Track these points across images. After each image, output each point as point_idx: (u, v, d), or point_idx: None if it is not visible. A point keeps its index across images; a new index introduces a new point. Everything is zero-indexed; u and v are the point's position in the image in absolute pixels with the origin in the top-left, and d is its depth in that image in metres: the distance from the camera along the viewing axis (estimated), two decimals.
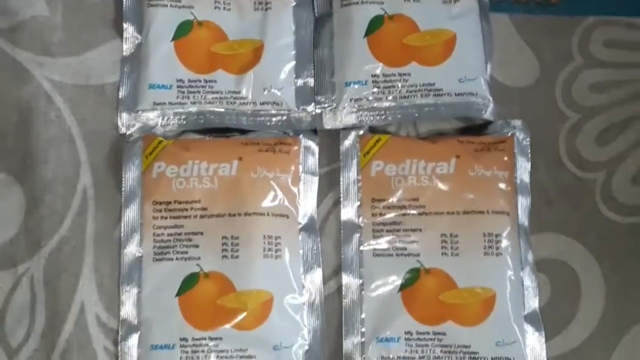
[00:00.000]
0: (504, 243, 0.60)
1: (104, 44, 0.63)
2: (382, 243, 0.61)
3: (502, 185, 0.61)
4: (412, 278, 0.60)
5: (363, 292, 0.60)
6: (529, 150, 0.62)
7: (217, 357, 0.58)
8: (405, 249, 0.60)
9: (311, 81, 0.63)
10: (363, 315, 0.60)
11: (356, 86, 0.63)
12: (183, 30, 0.63)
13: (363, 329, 0.60)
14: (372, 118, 0.63)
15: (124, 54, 0.63)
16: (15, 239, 0.60)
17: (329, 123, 0.63)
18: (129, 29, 0.63)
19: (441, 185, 0.61)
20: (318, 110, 0.63)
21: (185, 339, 0.58)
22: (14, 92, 0.62)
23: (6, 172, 0.61)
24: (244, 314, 0.58)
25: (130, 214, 0.60)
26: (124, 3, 0.63)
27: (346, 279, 0.61)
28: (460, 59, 0.62)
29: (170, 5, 0.63)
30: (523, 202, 0.61)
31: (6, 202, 0.60)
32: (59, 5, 0.63)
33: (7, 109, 0.62)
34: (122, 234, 0.60)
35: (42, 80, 0.62)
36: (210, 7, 0.63)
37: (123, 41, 0.63)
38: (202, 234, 0.59)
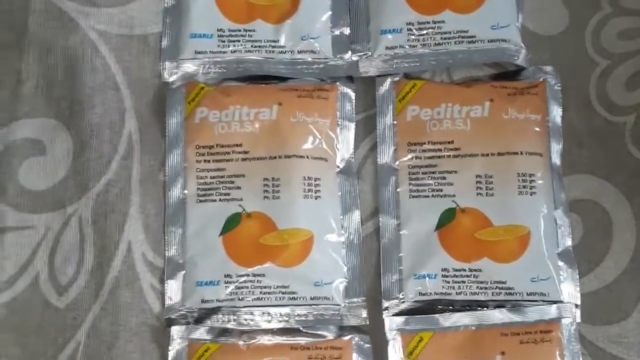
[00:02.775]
0: (538, 183, 0.61)
1: None
2: (418, 185, 0.62)
3: (535, 128, 0.62)
4: (448, 217, 0.61)
5: (400, 232, 0.62)
6: (560, 95, 0.64)
7: (261, 292, 0.60)
8: (441, 190, 0.62)
9: (347, 30, 0.65)
10: (400, 254, 0.61)
11: (391, 35, 0.64)
12: None
13: (401, 267, 0.61)
14: (406, 65, 0.64)
15: (165, 5, 0.65)
16: (64, 181, 0.62)
17: (365, 70, 0.64)
18: None
19: (475, 128, 0.62)
20: (354, 58, 0.65)
21: (229, 276, 0.60)
22: (61, 41, 0.64)
23: (55, 118, 0.63)
24: (286, 251, 0.60)
25: (174, 157, 0.62)
26: None
27: (383, 219, 0.62)
28: (492, 6, 0.64)
29: None
30: (555, 144, 0.63)
31: (55, 146, 0.63)
32: None
33: (55, 57, 0.64)
34: (166, 177, 0.62)
35: (88, 30, 0.64)
36: None
37: None
38: (243, 176, 0.61)
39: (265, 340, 0.59)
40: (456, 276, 0.60)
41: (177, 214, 0.62)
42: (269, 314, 0.60)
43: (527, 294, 0.60)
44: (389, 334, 0.60)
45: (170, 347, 0.59)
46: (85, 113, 0.63)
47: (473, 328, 0.59)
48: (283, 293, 0.60)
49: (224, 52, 0.64)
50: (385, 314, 0.60)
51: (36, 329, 0.60)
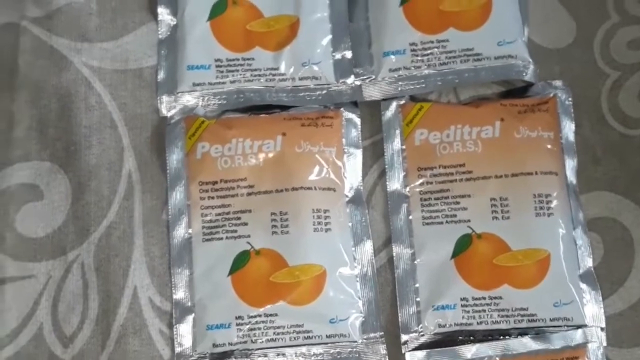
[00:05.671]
0: (555, 203, 0.59)
1: (140, 28, 0.63)
2: (431, 211, 0.60)
3: (548, 146, 0.60)
4: (464, 244, 0.59)
5: (415, 262, 0.60)
6: (572, 110, 0.62)
7: (274, 333, 0.57)
8: (455, 215, 0.60)
9: (349, 54, 0.63)
10: (417, 285, 0.59)
11: (394, 56, 0.62)
12: (218, 9, 0.62)
13: (418, 299, 0.59)
14: (412, 87, 0.62)
15: (160, 36, 0.63)
16: (63, 226, 0.60)
17: (369, 94, 0.62)
18: (163, 11, 0.63)
19: (487, 149, 0.60)
20: (357, 83, 0.62)
21: (240, 317, 0.57)
22: (54, 79, 0.62)
23: (50, 160, 0.61)
24: (298, 289, 0.58)
25: (177, 195, 0.60)
26: None
27: (397, 249, 0.60)
28: (497, 22, 0.62)
29: None
30: (570, 162, 0.61)
31: (52, 190, 0.60)
32: None
33: (48, 97, 0.62)
34: (169, 216, 0.60)
35: (80, 67, 0.62)
36: None
37: (158, 24, 0.63)
38: (250, 211, 0.59)
39: None
40: (476, 305, 0.58)
41: (183, 255, 0.59)
42: (284, 355, 0.57)
43: (551, 320, 0.58)
44: None
45: None
46: (82, 154, 0.61)
47: (497, 359, 0.57)
48: (297, 332, 0.58)
49: (223, 83, 0.62)
50: (404, 349, 0.58)
51: None
